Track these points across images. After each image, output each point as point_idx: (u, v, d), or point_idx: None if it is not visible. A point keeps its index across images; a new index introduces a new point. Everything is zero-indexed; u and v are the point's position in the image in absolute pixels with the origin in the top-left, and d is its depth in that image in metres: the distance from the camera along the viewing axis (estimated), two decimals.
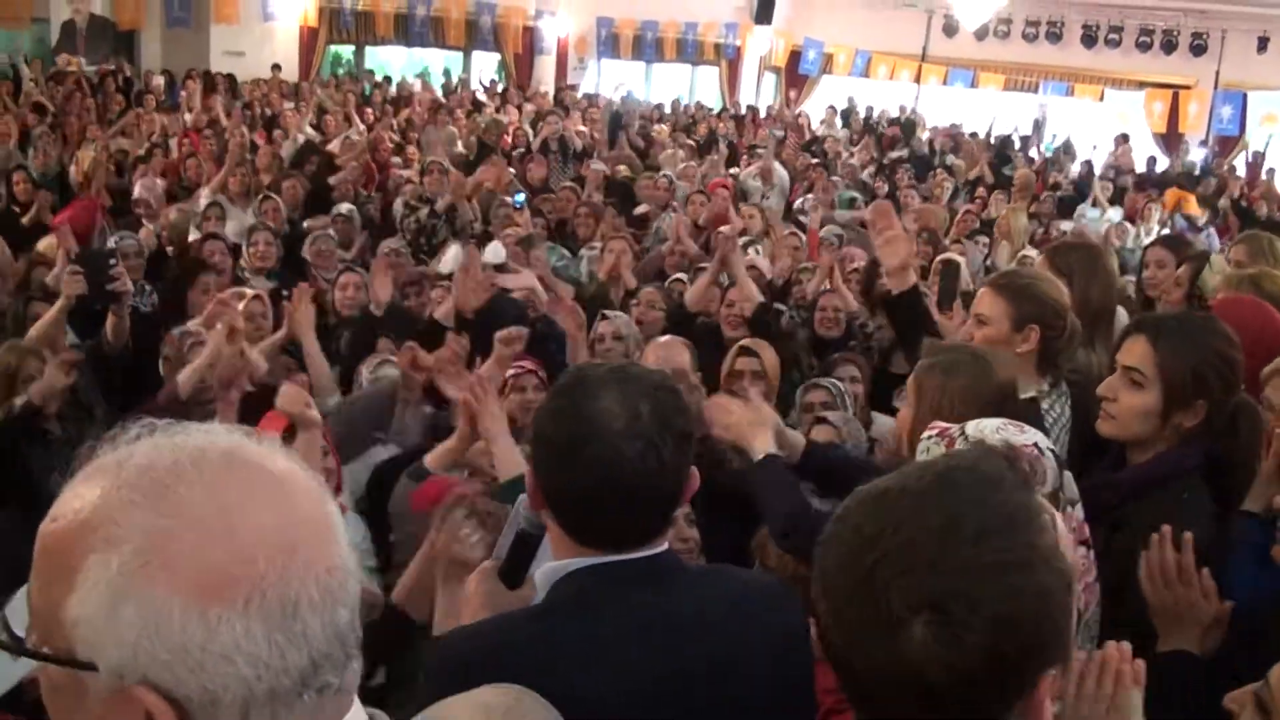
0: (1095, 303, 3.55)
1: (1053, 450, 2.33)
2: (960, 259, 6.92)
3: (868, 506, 1.27)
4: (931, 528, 1.20)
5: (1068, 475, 2.33)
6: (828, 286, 6.18)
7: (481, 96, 17.52)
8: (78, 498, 0.96)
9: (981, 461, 1.30)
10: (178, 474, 0.95)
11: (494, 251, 6.46)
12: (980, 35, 21.58)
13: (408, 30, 19.96)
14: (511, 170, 10.34)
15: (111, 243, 6.32)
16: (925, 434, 2.42)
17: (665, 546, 1.85)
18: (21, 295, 5.74)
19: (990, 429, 2.32)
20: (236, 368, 4.25)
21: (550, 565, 1.85)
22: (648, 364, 4.17)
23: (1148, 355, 2.68)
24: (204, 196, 8.48)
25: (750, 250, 6.90)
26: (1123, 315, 5.90)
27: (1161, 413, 2.69)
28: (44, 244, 6.88)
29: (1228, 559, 2.47)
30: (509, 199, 8.63)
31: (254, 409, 4.14)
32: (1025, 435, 2.31)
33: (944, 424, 2.41)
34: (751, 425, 3.11)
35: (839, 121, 19.16)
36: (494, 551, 2.48)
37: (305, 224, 8.11)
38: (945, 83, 22.98)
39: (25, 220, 8.27)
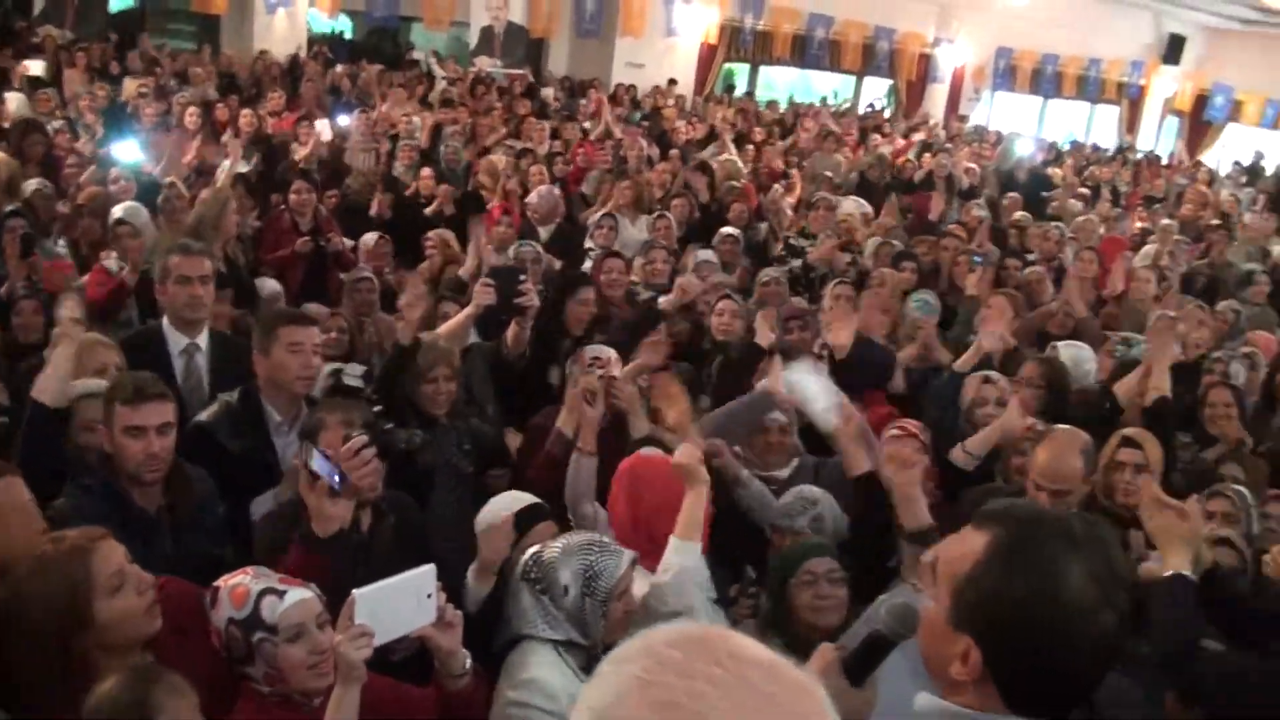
0: None
1: None
2: None
3: None
4: None
5: None
6: None
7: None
8: None
9: None
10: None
11: None
12: None
13: (804, 52, 20.15)
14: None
15: (512, 253, 6.74)
16: None
17: None
18: (433, 293, 6.20)
19: None
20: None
21: (949, 708, 1.65)
22: (1040, 462, 3.68)
23: None
24: (593, 215, 8.88)
25: None
26: None
27: None
28: None
29: None
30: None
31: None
32: None
33: None
34: (1174, 537, 2.97)
35: (1243, 178, 17.83)
36: (842, 638, 2.50)
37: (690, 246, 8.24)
38: None
39: (428, 211, 8.85)
